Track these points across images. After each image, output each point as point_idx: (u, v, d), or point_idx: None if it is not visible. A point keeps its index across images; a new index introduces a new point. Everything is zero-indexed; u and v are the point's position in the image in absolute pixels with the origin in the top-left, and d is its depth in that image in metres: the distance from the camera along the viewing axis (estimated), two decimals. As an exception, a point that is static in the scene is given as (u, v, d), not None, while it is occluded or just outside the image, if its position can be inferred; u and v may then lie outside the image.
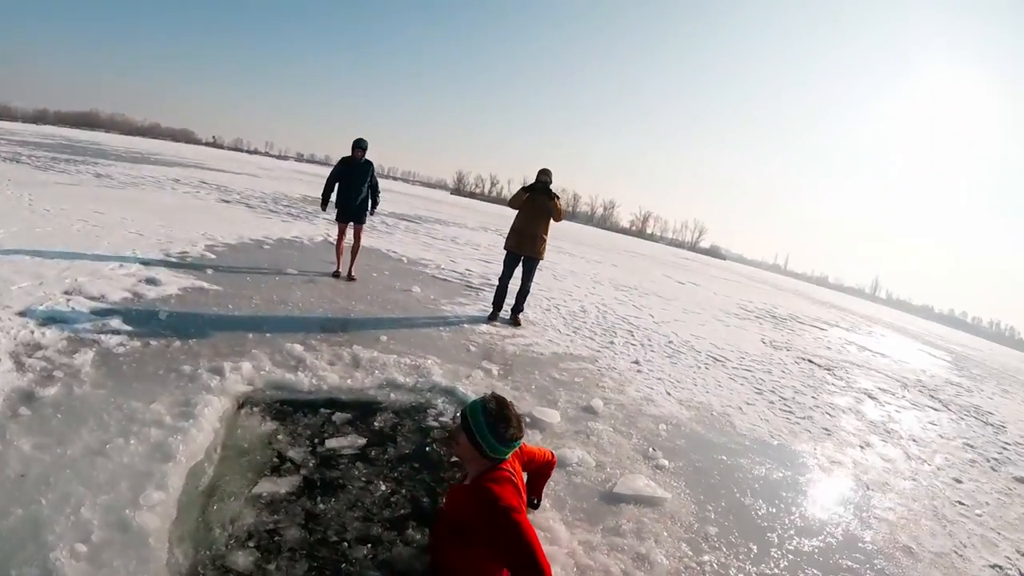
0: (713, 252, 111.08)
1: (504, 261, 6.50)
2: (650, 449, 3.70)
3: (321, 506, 2.35)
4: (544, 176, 6.29)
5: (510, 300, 6.59)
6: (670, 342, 7.63)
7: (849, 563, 2.91)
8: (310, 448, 2.77)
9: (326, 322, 4.91)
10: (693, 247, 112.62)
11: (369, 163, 6.73)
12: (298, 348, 3.93)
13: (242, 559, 1.97)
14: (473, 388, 3.94)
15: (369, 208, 6.88)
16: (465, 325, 5.83)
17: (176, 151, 37.70)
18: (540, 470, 2.49)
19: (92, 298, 4.22)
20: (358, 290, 6.37)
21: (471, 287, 8.24)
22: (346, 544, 2.14)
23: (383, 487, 2.57)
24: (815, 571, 2.74)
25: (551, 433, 3.58)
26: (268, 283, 5.75)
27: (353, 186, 6.60)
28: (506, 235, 6.56)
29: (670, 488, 3.20)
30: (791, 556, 2.82)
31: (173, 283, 4.95)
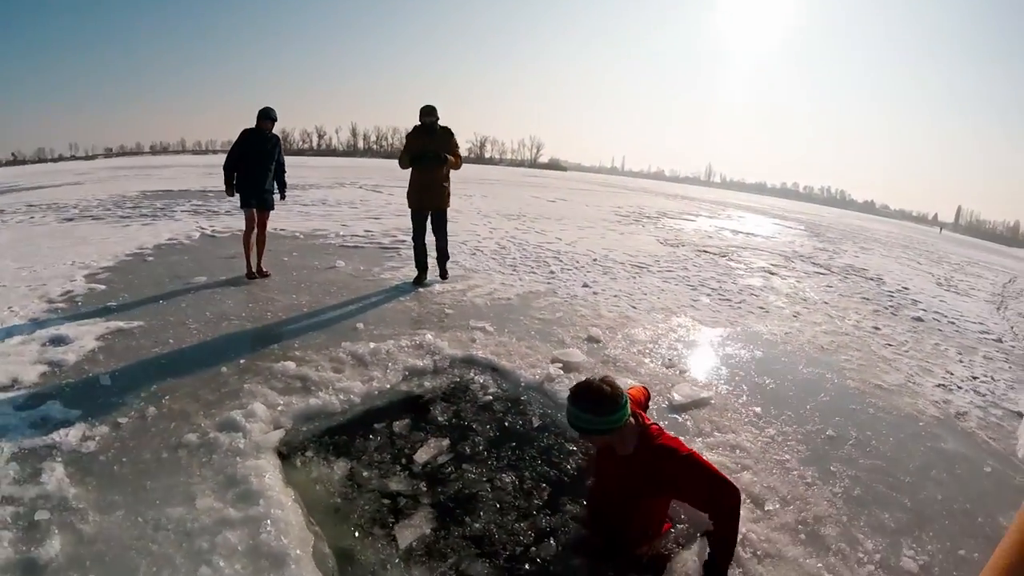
0: (554, 165, 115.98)
1: (412, 219, 6.13)
2: (666, 359, 4.33)
3: (477, 525, 2.28)
4: (428, 117, 5.82)
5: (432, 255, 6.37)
6: (594, 260, 8.39)
7: (852, 406, 3.88)
8: (405, 472, 2.62)
9: (287, 326, 4.59)
10: (534, 163, 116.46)
11: (277, 138, 6.09)
12: (290, 366, 3.60)
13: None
14: (490, 350, 4.16)
15: (277, 191, 6.24)
16: (420, 289, 5.89)
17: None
18: (645, 405, 2.90)
19: (2, 388, 3.26)
20: (288, 281, 6.02)
21: (386, 248, 8.16)
22: (534, 549, 2.18)
23: (507, 479, 2.59)
24: (839, 418, 3.62)
25: (586, 371, 4.00)
26: (188, 301, 5.13)
27: (260, 165, 5.90)
28: (406, 192, 6.14)
29: (706, 388, 3.86)
30: (818, 412, 3.66)
31: (85, 334, 4.12)
